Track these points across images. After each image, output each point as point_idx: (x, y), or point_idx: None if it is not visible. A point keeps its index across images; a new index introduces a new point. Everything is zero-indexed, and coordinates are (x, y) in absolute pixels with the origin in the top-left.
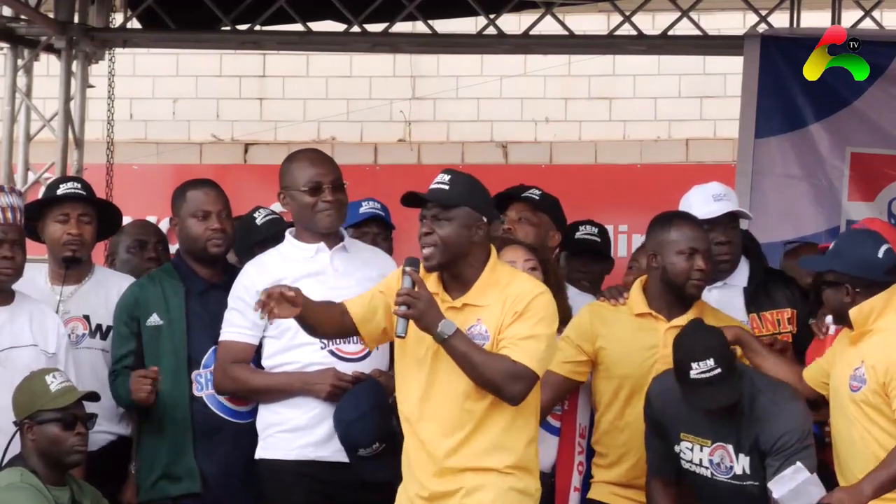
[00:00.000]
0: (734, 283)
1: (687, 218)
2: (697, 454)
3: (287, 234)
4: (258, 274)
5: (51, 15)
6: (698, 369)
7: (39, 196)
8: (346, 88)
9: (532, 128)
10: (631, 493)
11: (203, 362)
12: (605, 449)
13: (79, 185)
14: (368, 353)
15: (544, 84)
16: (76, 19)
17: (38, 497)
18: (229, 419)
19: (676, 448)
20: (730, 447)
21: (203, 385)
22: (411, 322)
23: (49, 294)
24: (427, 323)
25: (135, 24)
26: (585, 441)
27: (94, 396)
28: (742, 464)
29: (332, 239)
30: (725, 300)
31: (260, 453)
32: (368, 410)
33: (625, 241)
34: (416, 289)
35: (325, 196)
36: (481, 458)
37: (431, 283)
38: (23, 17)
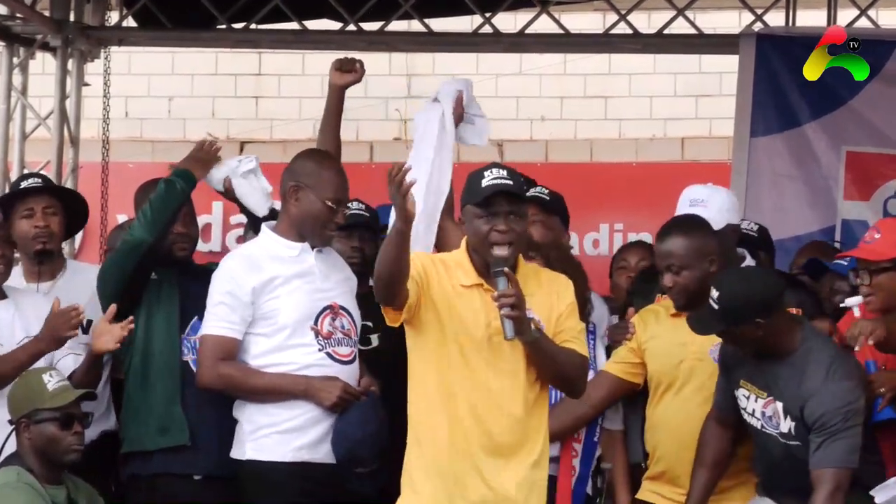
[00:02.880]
0: None
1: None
2: (752, 404)
3: (266, 227)
4: (249, 269)
5: (47, 13)
6: (711, 295)
7: None
8: None
9: (528, 126)
10: (665, 489)
11: (189, 328)
12: (648, 447)
13: (39, 180)
14: (356, 357)
15: (540, 83)
16: (72, 18)
17: (34, 496)
18: None
19: (736, 393)
20: (779, 405)
21: (190, 349)
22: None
23: (26, 292)
24: (524, 323)
25: (130, 22)
26: (581, 445)
27: (90, 396)
28: (788, 424)
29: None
30: None
31: (251, 454)
32: (375, 431)
33: (620, 240)
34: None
35: (339, 218)
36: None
37: (472, 275)
38: (18, 15)
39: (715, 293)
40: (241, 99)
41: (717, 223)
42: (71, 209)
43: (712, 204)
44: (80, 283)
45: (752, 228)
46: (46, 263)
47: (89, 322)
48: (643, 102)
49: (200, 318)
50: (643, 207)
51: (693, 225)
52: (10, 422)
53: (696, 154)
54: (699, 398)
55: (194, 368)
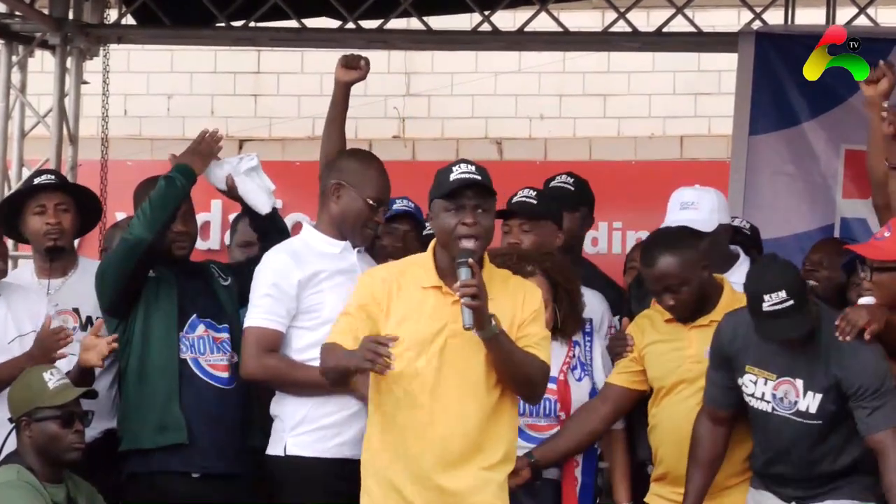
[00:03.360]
0: (733, 279)
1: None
2: (760, 388)
3: (308, 225)
4: (295, 263)
5: (46, 11)
6: (770, 301)
7: None
8: None
9: (527, 124)
10: (666, 490)
11: (187, 326)
12: (652, 450)
13: (52, 176)
14: None
15: (539, 81)
16: (71, 16)
17: (34, 495)
18: (210, 382)
19: (739, 380)
20: (798, 382)
21: (188, 347)
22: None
23: (37, 288)
24: (484, 316)
25: (129, 20)
26: (581, 455)
27: (91, 394)
28: (809, 401)
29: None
30: None
31: (292, 450)
32: None
33: (619, 238)
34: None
35: (380, 216)
36: (489, 455)
37: (432, 276)
38: (17, 13)
39: (781, 293)
40: (240, 97)
41: (710, 224)
42: (84, 207)
43: (703, 206)
44: (90, 280)
45: (745, 226)
46: (58, 260)
47: (88, 318)
48: (642, 101)
49: (199, 316)
50: (642, 206)
51: (677, 239)
52: (11, 420)
53: (695, 152)
54: (698, 399)
55: (192, 367)
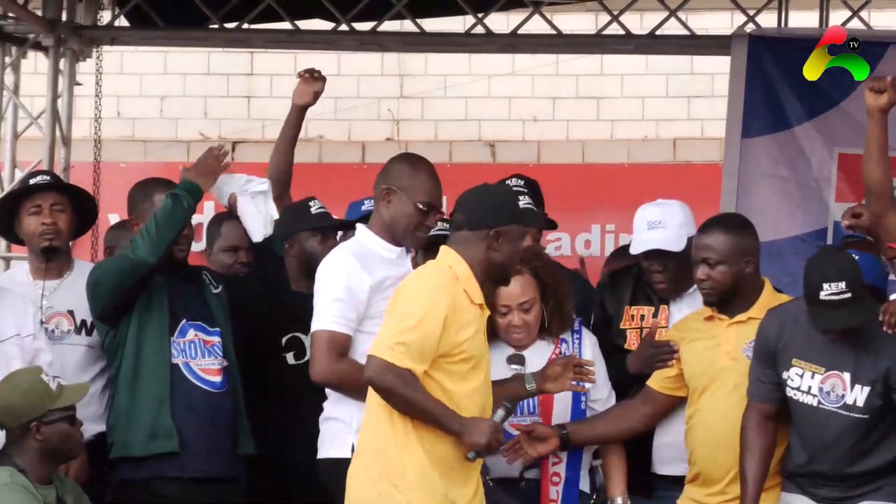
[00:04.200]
0: None
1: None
2: (807, 381)
3: (365, 228)
4: (363, 268)
5: (39, 13)
6: (829, 290)
7: None
8: (334, 87)
9: (520, 127)
10: (699, 492)
11: (177, 330)
12: (687, 451)
13: (48, 177)
14: None
15: (532, 83)
16: (64, 17)
17: (28, 497)
18: (203, 386)
19: (785, 374)
20: (846, 376)
21: (179, 352)
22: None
23: (31, 289)
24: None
25: (122, 22)
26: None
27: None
28: (856, 395)
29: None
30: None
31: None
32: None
33: (612, 240)
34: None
35: (431, 221)
36: None
37: (477, 295)
38: (10, 14)
39: (841, 284)
40: (232, 99)
41: (679, 242)
42: (80, 208)
43: (670, 223)
44: (83, 284)
45: None
46: (53, 261)
47: (83, 322)
48: (635, 103)
49: (189, 321)
50: (635, 208)
51: (738, 224)
52: (7, 427)
53: (688, 155)
54: (735, 398)
55: (184, 371)
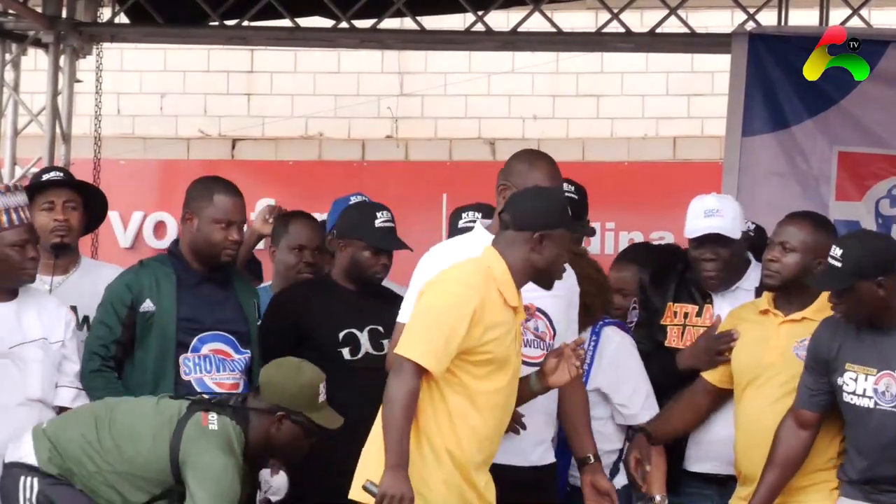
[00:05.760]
0: (745, 286)
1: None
2: (861, 384)
3: (480, 224)
4: None
5: (39, 10)
6: (832, 252)
7: None
8: (333, 84)
9: (520, 125)
10: (741, 490)
11: (191, 346)
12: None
13: (61, 174)
14: None
15: (532, 81)
16: (64, 14)
17: (238, 462)
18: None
19: (840, 380)
20: None
21: (191, 369)
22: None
23: (38, 284)
24: None
25: (123, 19)
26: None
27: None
28: None
29: None
30: (737, 305)
31: None
32: None
33: (612, 239)
34: None
35: None
36: None
37: (513, 297)
38: (11, 11)
39: (837, 251)
40: (232, 96)
41: (735, 232)
42: (90, 205)
43: (727, 213)
44: (89, 281)
45: (751, 228)
46: (62, 257)
47: (85, 318)
48: (635, 101)
49: (212, 331)
50: (635, 206)
51: (823, 223)
52: (275, 409)
53: (688, 153)
54: (778, 394)
55: (196, 387)
